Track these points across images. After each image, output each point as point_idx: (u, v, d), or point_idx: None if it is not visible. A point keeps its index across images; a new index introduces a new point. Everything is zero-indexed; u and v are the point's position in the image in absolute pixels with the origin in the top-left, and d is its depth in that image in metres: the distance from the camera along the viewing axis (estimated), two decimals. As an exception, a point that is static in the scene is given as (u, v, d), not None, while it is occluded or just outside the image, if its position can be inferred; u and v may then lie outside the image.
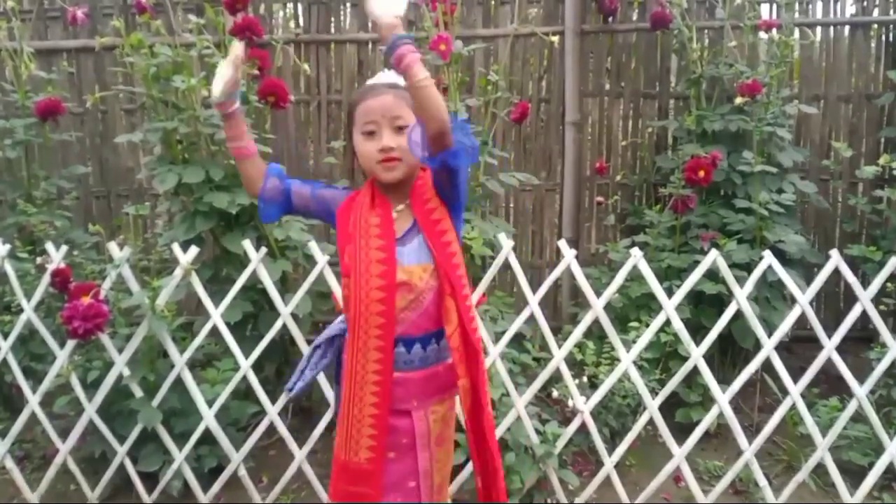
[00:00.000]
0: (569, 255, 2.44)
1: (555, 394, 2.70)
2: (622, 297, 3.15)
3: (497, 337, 2.50)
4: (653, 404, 2.41)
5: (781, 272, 2.43)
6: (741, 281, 2.48)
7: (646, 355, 2.78)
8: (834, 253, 2.41)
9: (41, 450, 2.92)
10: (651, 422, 2.43)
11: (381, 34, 1.35)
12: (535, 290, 2.45)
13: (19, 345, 2.73)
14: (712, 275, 2.75)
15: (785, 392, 2.39)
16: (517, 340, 2.76)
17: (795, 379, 2.38)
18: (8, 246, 2.69)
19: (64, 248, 2.62)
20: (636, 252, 2.44)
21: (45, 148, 3.43)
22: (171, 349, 2.48)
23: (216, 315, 2.49)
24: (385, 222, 1.51)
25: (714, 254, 2.44)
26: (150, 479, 2.55)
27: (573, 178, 3.92)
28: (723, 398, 2.39)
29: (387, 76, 1.58)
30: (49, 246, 2.63)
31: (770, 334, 2.41)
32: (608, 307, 2.51)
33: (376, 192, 1.56)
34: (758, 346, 2.44)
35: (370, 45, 3.97)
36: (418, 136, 1.39)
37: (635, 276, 2.66)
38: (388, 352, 1.47)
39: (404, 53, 1.34)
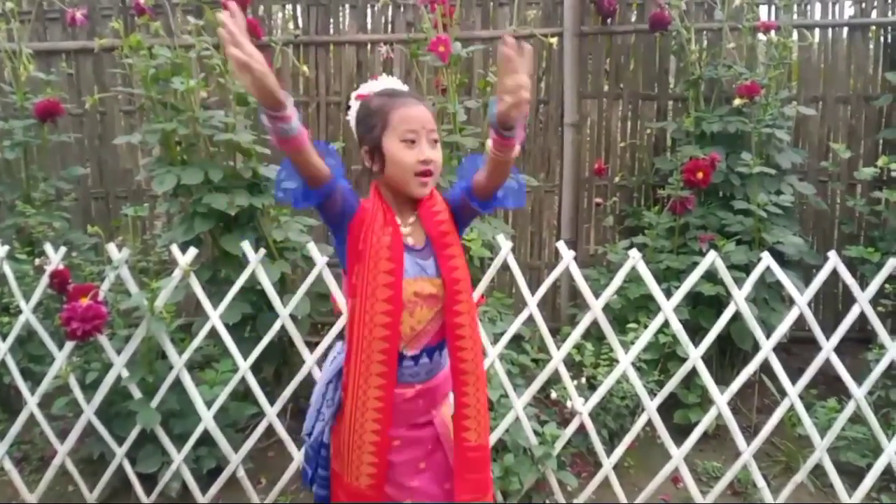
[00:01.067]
0: (567, 256, 2.44)
1: (553, 395, 2.70)
2: (621, 298, 3.15)
3: (496, 338, 2.50)
4: (651, 405, 2.41)
5: (780, 273, 2.44)
6: (740, 282, 2.48)
7: (644, 356, 2.78)
8: (832, 254, 2.41)
9: (40, 451, 2.91)
10: (649, 423, 2.43)
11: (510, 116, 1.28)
12: (533, 291, 2.46)
13: (18, 346, 2.73)
14: (711, 276, 2.76)
15: (783, 393, 2.39)
16: (516, 341, 2.76)
17: (794, 380, 2.38)
18: (7, 247, 2.69)
19: (62, 249, 2.62)
20: (635, 253, 2.44)
21: (44, 149, 3.42)
22: (170, 350, 2.48)
23: (215, 316, 2.49)
24: (395, 242, 1.46)
25: (712, 255, 2.44)
26: (149, 481, 2.54)
27: (572, 179, 3.93)
28: (721, 399, 2.39)
29: (391, 81, 1.57)
30: (48, 247, 2.63)
31: (768, 335, 2.42)
32: (607, 308, 2.52)
33: (385, 205, 1.50)
34: (756, 348, 2.44)
35: (369, 47, 3.97)
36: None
37: (634, 277, 2.66)
38: (391, 377, 1.44)
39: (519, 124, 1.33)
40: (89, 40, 3.55)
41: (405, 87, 1.57)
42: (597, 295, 2.44)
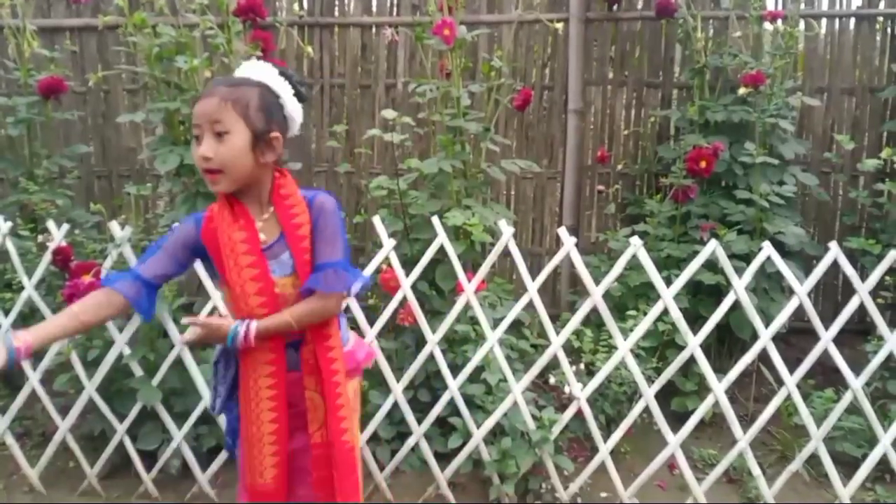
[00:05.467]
0: (569, 242, 2.45)
1: (552, 380, 2.72)
2: (621, 285, 3.16)
3: (495, 323, 2.51)
4: (649, 392, 2.42)
5: (780, 263, 2.44)
6: (740, 272, 2.49)
7: (643, 344, 2.79)
8: (833, 245, 2.41)
9: (41, 427, 2.94)
10: (647, 410, 2.44)
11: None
12: (534, 277, 2.46)
13: (20, 322, 2.74)
14: (711, 265, 2.76)
15: (781, 383, 2.40)
16: (515, 327, 2.77)
17: (792, 370, 2.39)
18: (10, 224, 2.70)
19: (65, 226, 2.63)
20: (636, 241, 2.44)
21: (48, 126, 3.43)
22: (172, 329, 2.49)
23: (216, 295, 2.49)
24: (251, 236, 1.45)
25: (713, 244, 2.44)
26: (150, 458, 2.57)
27: (574, 166, 3.92)
28: (719, 387, 2.40)
29: (250, 67, 1.49)
30: (50, 224, 2.63)
31: (768, 325, 2.42)
32: (607, 295, 2.52)
33: (233, 201, 1.48)
34: (755, 337, 2.44)
35: (374, 29, 3.96)
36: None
37: (634, 265, 2.67)
38: (280, 364, 1.47)
39: (243, 337, 1.43)
40: (93, 17, 3.54)
41: (251, 72, 1.47)
42: (597, 282, 2.45)
